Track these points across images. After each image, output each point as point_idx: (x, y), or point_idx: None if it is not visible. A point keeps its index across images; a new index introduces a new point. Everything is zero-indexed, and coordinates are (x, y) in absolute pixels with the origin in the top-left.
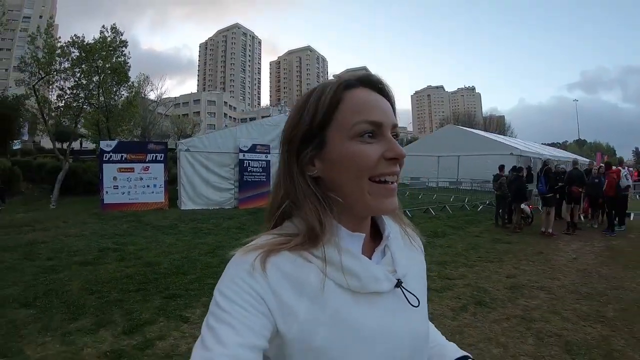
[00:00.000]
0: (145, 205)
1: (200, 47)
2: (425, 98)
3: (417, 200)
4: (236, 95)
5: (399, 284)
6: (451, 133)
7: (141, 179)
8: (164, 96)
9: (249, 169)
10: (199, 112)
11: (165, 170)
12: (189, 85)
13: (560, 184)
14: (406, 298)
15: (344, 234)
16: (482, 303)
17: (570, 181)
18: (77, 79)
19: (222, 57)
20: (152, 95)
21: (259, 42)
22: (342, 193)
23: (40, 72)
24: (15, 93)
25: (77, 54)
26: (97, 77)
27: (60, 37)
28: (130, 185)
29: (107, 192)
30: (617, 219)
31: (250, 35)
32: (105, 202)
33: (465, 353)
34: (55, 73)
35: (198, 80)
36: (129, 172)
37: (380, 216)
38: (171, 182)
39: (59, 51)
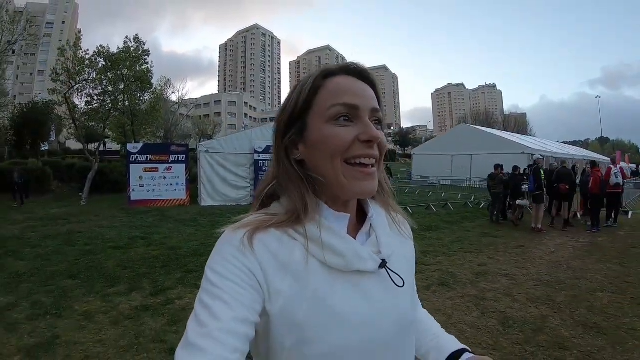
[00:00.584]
0: (168, 202)
1: (220, 48)
2: (445, 96)
3: (424, 198)
4: (256, 95)
5: (383, 264)
6: (465, 132)
7: (165, 177)
8: (186, 97)
9: (263, 169)
10: (219, 112)
11: (186, 170)
12: (210, 87)
13: (556, 183)
14: (391, 278)
15: (329, 214)
16: (445, 284)
17: (558, 179)
18: (104, 87)
19: (242, 58)
20: (173, 97)
21: (279, 42)
22: (320, 175)
23: (71, 81)
24: (44, 99)
25: (104, 63)
26: (122, 85)
27: (87, 50)
28: (154, 183)
29: (133, 190)
30: (608, 216)
31: (269, 36)
32: (132, 199)
33: (463, 346)
34: (85, 82)
35: (219, 81)
36: (154, 171)
37: (365, 199)
38: (192, 181)
39: (87, 62)
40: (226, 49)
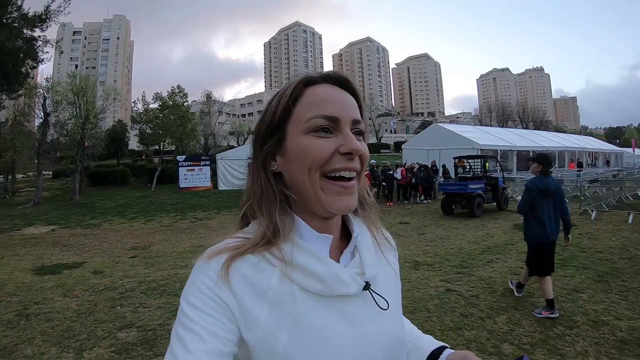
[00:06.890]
0: (200, 188)
1: (264, 46)
2: (490, 82)
3: None
4: None
5: (367, 286)
6: (436, 132)
7: (198, 174)
8: (232, 98)
9: None
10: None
11: (210, 170)
12: (260, 86)
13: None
14: (375, 301)
15: (309, 236)
16: None
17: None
18: (160, 120)
19: (286, 55)
20: (222, 99)
21: (320, 37)
22: (298, 189)
23: (143, 121)
24: (121, 121)
25: (160, 103)
26: (172, 117)
27: (150, 101)
28: (192, 177)
29: (181, 182)
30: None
31: (310, 32)
32: (180, 187)
33: (442, 343)
34: (153, 120)
35: (265, 79)
36: (192, 171)
37: (348, 216)
38: (214, 175)
39: (149, 110)
40: (270, 47)
